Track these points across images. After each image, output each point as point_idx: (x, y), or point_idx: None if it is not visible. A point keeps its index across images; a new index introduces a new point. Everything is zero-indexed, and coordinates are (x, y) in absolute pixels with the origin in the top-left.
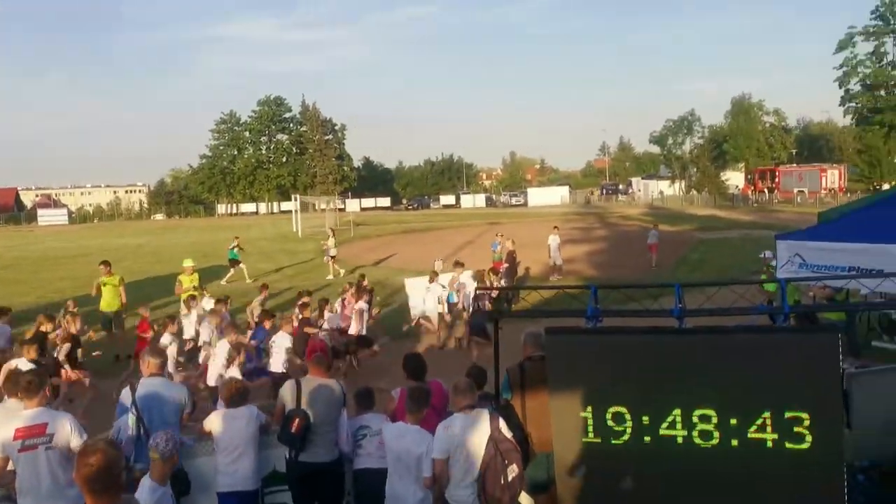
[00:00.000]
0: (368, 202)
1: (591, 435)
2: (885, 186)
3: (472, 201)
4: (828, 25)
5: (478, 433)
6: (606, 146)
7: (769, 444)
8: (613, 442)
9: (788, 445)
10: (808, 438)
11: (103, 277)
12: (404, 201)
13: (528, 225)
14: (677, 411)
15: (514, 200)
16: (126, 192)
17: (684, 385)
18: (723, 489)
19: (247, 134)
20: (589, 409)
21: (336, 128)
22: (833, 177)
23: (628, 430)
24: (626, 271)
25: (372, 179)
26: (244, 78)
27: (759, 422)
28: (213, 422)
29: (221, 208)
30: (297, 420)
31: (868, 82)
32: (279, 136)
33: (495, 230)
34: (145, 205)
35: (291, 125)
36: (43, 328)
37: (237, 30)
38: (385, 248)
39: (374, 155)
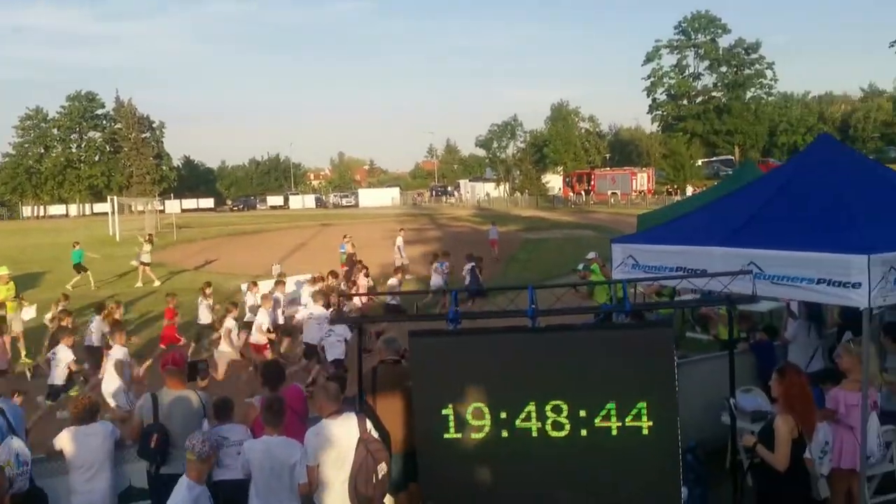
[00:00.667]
0: (190, 203)
1: (452, 431)
2: (689, 188)
3: (302, 202)
4: (638, 38)
5: (348, 436)
6: (434, 148)
7: (614, 431)
8: (473, 437)
9: (632, 431)
10: (648, 424)
11: None
12: (229, 202)
13: (363, 226)
14: (532, 405)
15: (344, 201)
16: None
17: (538, 380)
18: (575, 475)
19: (55, 131)
20: (450, 406)
21: (154, 125)
22: (642, 179)
23: (487, 425)
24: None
25: (193, 179)
26: (50, 72)
27: (604, 412)
28: (65, 440)
29: (27, 210)
30: (155, 436)
31: (672, 92)
32: (91, 134)
33: (328, 232)
34: None
35: (105, 122)
36: None
37: (38, 19)
38: (211, 251)
39: (195, 154)
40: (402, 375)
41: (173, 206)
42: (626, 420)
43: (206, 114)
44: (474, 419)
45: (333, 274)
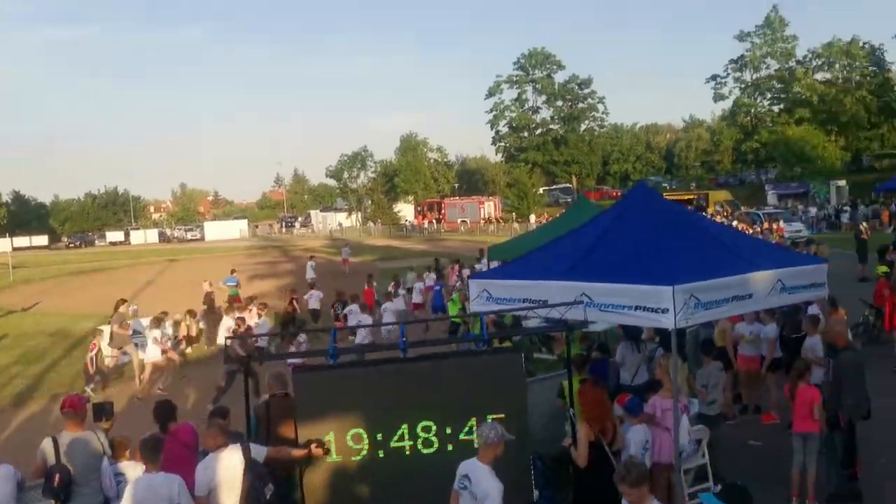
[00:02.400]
0: (22, 241)
1: (334, 455)
2: (532, 217)
3: (144, 237)
4: (482, 70)
5: (234, 466)
6: (281, 178)
7: (476, 444)
8: (353, 459)
9: None
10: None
11: None
12: (65, 239)
13: (212, 261)
14: (405, 426)
15: (189, 235)
16: None
17: (409, 404)
18: (444, 487)
19: None
20: (331, 433)
21: None
22: (489, 207)
23: (365, 448)
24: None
25: (24, 215)
26: None
27: (467, 427)
28: None
29: None
30: (57, 476)
31: (514, 125)
32: None
33: (176, 268)
34: None
35: None
36: None
37: None
38: (54, 292)
39: (26, 189)
40: (291, 408)
41: (3, 244)
42: None
43: (37, 146)
44: (354, 443)
45: (191, 313)
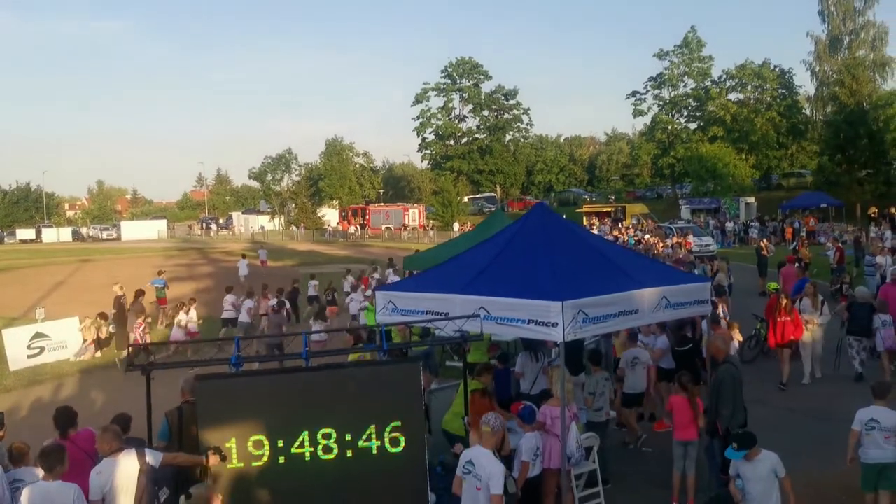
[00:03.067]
0: None
1: (235, 461)
2: (456, 225)
3: (57, 235)
4: (408, 78)
5: (128, 471)
6: (203, 178)
7: (374, 451)
8: (254, 465)
9: (388, 450)
10: (402, 443)
11: None
12: None
13: (128, 262)
14: (305, 433)
15: (105, 234)
16: None
17: (311, 411)
18: (343, 492)
19: None
20: (233, 440)
21: None
22: (414, 215)
23: (266, 454)
24: None
25: None
26: None
27: (366, 434)
28: None
29: None
30: None
31: (440, 133)
32: None
33: (89, 268)
34: None
35: None
36: None
37: None
38: None
39: None
40: None
41: None
42: (385, 440)
43: None
44: (255, 449)
45: (102, 315)
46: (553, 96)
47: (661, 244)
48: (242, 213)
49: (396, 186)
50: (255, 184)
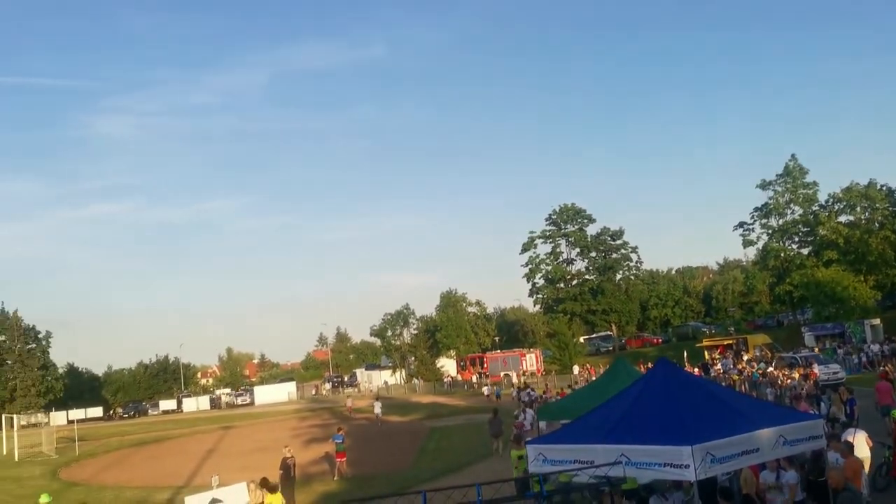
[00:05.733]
0: (77, 413)
1: None
2: (576, 368)
3: (196, 404)
4: (511, 225)
5: None
6: (324, 337)
7: None
8: None
9: None
10: None
11: None
12: (119, 409)
13: (265, 426)
14: None
15: (239, 400)
16: None
17: None
18: None
19: None
20: None
21: (40, 335)
22: (531, 359)
23: None
24: (394, 461)
25: (77, 388)
26: None
27: None
28: None
29: None
30: None
31: (549, 277)
32: None
33: (233, 435)
34: None
35: None
36: None
37: None
38: (121, 464)
39: (79, 361)
40: None
41: (60, 417)
42: None
43: (87, 318)
44: None
45: (263, 482)
46: (658, 229)
47: (786, 376)
48: (365, 368)
49: (510, 332)
50: (374, 339)
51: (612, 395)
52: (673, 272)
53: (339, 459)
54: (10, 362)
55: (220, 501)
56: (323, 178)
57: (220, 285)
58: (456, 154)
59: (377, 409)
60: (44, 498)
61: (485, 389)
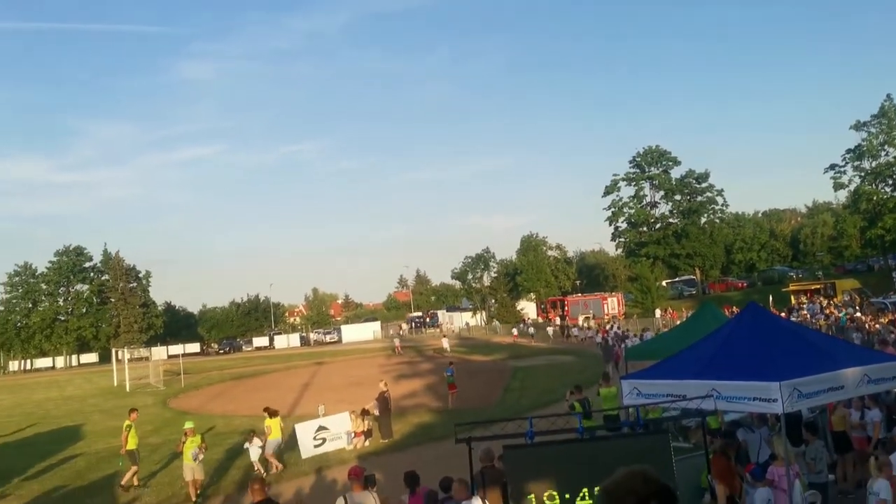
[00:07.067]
0: (176, 349)
1: None
2: (658, 311)
3: (287, 341)
4: (596, 170)
5: None
6: (404, 279)
7: None
8: None
9: None
10: None
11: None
12: (214, 345)
13: (356, 362)
14: (585, 489)
15: (328, 338)
16: None
17: (589, 472)
18: None
19: (43, 286)
20: (531, 495)
21: (140, 275)
22: (613, 303)
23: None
24: (480, 398)
25: (174, 325)
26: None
27: None
28: None
29: (14, 365)
30: None
31: (632, 220)
32: (79, 287)
33: (326, 370)
34: None
35: (92, 274)
36: None
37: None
38: (226, 396)
39: (176, 299)
40: (498, 475)
41: (160, 352)
42: None
43: (182, 259)
44: (548, 500)
45: (364, 411)
46: (745, 171)
47: (874, 321)
48: (446, 310)
49: (590, 275)
50: (454, 282)
51: (701, 337)
52: (760, 215)
53: (451, 391)
54: (113, 300)
55: (326, 429)
56: (404, 123)
57: (305, 227)
58: (536, 96)
59: (445, 343)
60: (188, 424)
61: (574, 330)
